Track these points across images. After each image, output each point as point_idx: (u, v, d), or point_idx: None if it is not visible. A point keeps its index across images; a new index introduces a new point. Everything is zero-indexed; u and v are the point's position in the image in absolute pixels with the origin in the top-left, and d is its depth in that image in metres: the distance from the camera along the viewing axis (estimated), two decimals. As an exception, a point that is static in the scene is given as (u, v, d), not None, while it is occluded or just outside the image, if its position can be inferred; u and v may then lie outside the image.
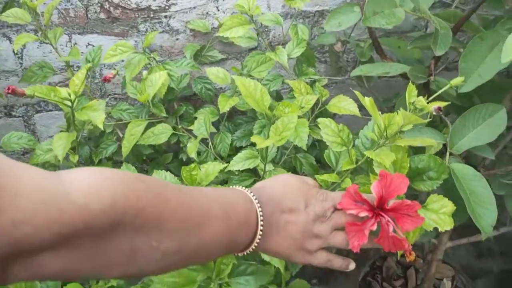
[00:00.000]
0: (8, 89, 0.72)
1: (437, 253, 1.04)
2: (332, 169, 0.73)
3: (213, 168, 0.68)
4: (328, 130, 0.64)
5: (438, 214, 0.60)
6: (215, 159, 0.92)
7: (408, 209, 0.51)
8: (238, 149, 0.82)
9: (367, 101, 0.58)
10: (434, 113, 0.52)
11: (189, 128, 0.93)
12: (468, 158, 0.90)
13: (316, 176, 0.68)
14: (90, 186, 0.33)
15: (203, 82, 1.04)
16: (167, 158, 1.01)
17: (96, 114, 0.71)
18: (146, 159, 1.00)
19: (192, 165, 0.67)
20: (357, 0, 0.92)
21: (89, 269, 0.35)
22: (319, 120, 0.65)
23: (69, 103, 0.73)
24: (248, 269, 0.68)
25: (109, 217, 0.33)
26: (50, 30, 0.89)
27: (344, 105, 0.85)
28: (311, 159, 0.87)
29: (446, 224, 0.59)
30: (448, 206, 0.60)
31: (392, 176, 0.51)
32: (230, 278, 0.67)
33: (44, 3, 0.87)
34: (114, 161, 0.97)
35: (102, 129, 0.70)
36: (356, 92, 0.58)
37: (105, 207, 0.32)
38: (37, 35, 0.87)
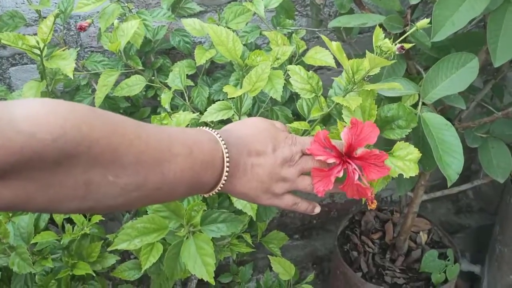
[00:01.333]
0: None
1: (412, 206, 1.06)
2: (304, 118, 0.73)
3: (184, 117, 0.68)
4: (297, 77, 0.64)
5: (404, 161, 0.61)
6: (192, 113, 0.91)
7: (375, 159, 0.51)
8: (216, 103, 0.81)
9: (334, 46, 0.57)
10: (397, 52, 0.52)
11: (166, 81, 0.91)
12: (444, 111, 0.90)
13: (287, 124, 0.68)
14: (39, 115, 0.32)
15: (181, 35, 1.02)
16: (144, 112, 1.00)
17: (65, 63, 0.69)
18: (123, 113, 0.99)
19: (163, 114, 0.66)
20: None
21: (42, 201, 0.35)
22: (289, 67, 0.64)
23: (38, 52, 0.71)
24: (220, 217, 0.69)
25: (60, 148, 0.32)
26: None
27: (320, 56, 0.84)
28: (287, 111, 0.87)
29: (411, 171, 0.60)
30: (414, 153, 0.60)
31: (363, 125, 0.51)
32: (202, 226, 0.68)
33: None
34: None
35: (72, 78, 0.69)
36: (323, 37, 0.57)
37: (55, 137, 0.32)
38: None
